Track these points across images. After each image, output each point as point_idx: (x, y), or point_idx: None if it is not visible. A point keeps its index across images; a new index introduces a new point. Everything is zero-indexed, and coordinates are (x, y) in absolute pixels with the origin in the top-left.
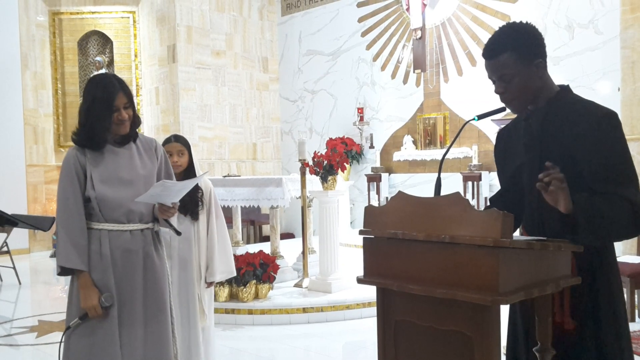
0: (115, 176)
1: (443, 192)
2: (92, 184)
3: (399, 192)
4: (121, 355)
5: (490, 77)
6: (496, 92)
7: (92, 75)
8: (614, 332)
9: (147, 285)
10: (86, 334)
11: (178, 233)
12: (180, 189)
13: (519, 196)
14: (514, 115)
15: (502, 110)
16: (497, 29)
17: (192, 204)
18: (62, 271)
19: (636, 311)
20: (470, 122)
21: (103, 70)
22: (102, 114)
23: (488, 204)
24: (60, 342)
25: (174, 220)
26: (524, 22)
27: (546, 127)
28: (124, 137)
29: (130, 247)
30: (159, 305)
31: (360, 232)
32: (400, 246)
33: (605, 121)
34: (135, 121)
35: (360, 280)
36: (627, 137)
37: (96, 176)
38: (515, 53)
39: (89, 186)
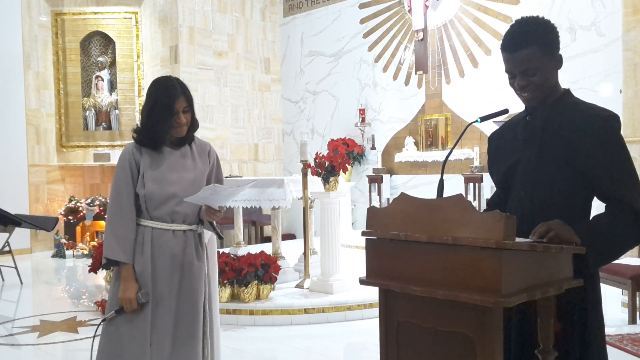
0: (166, 176)
1: (445, 194)
2: (143, 182)
3: (402, 193)
4: (150, 353)
5: (509, 71)
6: (517, 85)
7: (155, 78)
8: (598, 333)
9: (182, 288)
10: (117, 335)
11: (220, 237)
12: (229, 194)
13: (509, 194)
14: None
15: (505, 112)
16: (513, 22)
17: None
18: (107, 263)
19: (637, 313)
20: (473, 124)
21: (105, 71)
22: (163, 117)
23: (486, 206)
24: (95, 333)
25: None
26: (540, 16)
27: (549, 125)
28: (180, 139)
29: (171, 248)
30: (192, 310)
31: (363, 233)
32: (403, 247)
33: (609, 123)
34: (193, 125)
35: (362, 282)
36: (628, 139)
37: (148, 175)
38: (540, 47)
39: (139, 184)
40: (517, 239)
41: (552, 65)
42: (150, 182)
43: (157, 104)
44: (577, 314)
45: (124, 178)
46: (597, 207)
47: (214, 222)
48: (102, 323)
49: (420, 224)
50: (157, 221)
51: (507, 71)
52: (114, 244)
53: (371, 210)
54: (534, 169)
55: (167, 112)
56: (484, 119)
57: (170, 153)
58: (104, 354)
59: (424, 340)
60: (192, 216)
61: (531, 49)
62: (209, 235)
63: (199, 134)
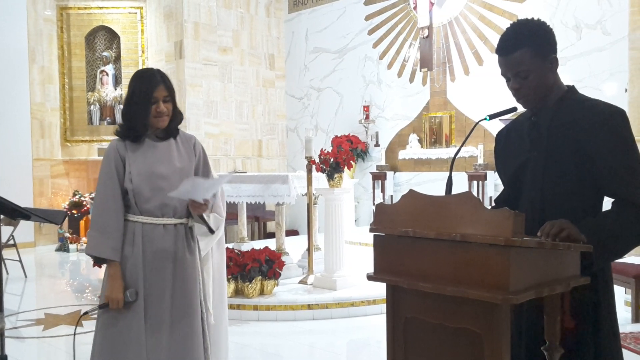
0: (153, 169)
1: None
2: (130, 177)
3: (410, 190)
4: (146, 350)
5: (504, 74)
6: (511, 88)
7: (139, 70)
8: (611, 332)
9: (175, 281)
10: (112, 326)
11: (211, 231)
12: (210, 186)
13: (520, 195)
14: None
15: (513, 110)
16: (508, 25)
17: None
18: (96, 260)
19: None
20: (481, 122)
21: (110, 66)
22: (140, 105)
23: (493, 204)
24: (76, 325)
25: (210, 221)
26: (535, 18)
27: (555, 124)
28: (164, 132)
29: (162, 242)
30: (187, 302)
31: (371, 230)
32: (411, 244)
33: (615, 118)
34: (176, 116)
35: (370, 278)
36: (635, 137)
37: (134, 169)
38: (531, 49)
39: (127, 179)
40: (525, 237)
41: (546, 67)
42: (137, 176)
43: (136, 93)
44: (589, 313)
45: (110, 174)
46: (607, 203)
47: (204, 215)
48: (82, 315)
49: (428, 220)
50: (148, 216)
51: (502, 74)
52: (104, 242)
53: (379, 207)
54: (543, 170)
55: (145, 100)
56: (492, 116)
57: (155, 146)
58: (99, 352)
59: (431, 337)
60: (182, 209)
61: (522, 51)
62: (220, 233)
63: (203, 129)
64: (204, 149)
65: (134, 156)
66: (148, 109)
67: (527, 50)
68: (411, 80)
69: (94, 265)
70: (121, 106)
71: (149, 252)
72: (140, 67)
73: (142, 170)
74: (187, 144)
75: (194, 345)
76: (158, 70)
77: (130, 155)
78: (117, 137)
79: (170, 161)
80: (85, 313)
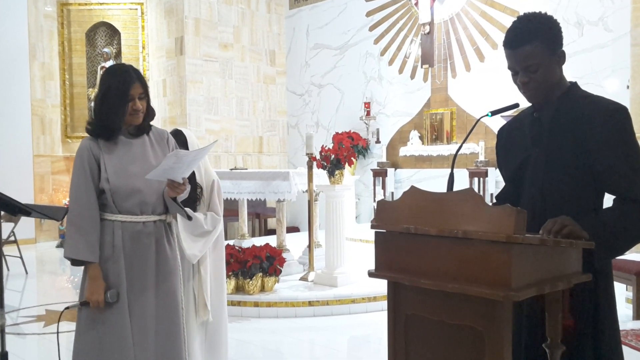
0: (129, 167)
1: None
2: (107, 176)
3: (412, 187)
4: (133, 349)
5: (512, 67)
6: (519, 82)
7: (109, 65)
8: (612, 329)
9: (158, 278)
10: (97, 326)
11: (189, 218)
12: (192, 160)
13: (522, 191)
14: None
15: (515, 106)
16: (514, 19)
17: (189, 202)
18: (73, 262)
19: None
20: (483, 118)
21: (111, 62)
22: (116, 102)
23: (494, 200)
24: (58, 321)
25: (208, 220)
26: (543, 12)
27: (557, 120)
28: (137, 128)
29: (142, 238)
30: (170, 298)
31: (373, 226)
32: (413, 241)
33: (618, 115)
34: (149, 113)
35: (371, 274)
36: (636, 134)
37: (110, 167)
38: (542, 43)
39: (102, 178)
40: (527, 234)
41: (555, 61)
42: (113, 176)
43: (111, 90)
44: (589, 310)
45: (84, 176)
46: (608, 199)
47: (180, 202)
48: (63, 312)
49: (430, 217)
50: (126, 214)
51: (509, 68)
52: (82, 244)
53: (381, 204)
54: (544, 166)
55: (122, 98)
56: (494, 113)
57: (129, 144)
58: (85, 353)
59: (432, 334)
60: (160, 206)
61: (533, 45)
62: (218, 232)
63: (203, 126)
64: (176, 144)
65: (109, 156)
66: (124, 107)
67: (538, 43)
68: (412, 76)
69: (72, 264)
70: None
71: (130, 248)
72: (141, 64)
73: (118, 170)
74: (161, 140)
75: (178, 341)
76: (131, 67)
77: (105, 156)
78: (88, 136)
79: (146, 159)
80: (67, 308)
